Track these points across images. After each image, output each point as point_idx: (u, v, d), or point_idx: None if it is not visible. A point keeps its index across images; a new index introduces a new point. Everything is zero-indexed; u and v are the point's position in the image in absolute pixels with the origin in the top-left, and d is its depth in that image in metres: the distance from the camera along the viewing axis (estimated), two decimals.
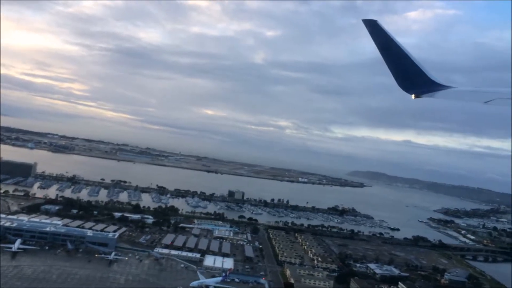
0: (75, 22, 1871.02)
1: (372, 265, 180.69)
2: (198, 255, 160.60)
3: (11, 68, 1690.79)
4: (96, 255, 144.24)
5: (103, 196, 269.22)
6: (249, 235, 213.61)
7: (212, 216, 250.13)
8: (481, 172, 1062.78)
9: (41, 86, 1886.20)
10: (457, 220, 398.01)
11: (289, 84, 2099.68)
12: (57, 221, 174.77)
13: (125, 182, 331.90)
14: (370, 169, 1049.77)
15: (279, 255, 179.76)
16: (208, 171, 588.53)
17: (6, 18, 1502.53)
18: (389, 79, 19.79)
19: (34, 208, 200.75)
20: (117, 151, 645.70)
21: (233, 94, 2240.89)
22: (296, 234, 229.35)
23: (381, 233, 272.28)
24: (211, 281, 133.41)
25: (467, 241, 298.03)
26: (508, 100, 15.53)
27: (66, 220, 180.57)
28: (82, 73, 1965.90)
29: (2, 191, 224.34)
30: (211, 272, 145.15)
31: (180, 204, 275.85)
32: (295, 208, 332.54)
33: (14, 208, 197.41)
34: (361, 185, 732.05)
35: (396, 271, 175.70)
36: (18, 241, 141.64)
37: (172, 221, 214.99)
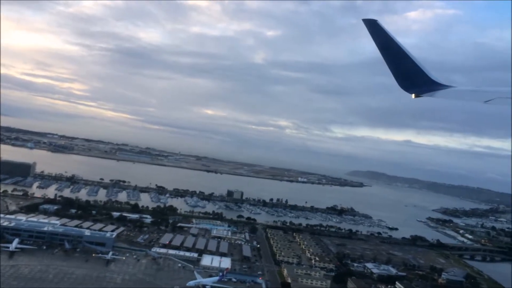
0: (75, 22, 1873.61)
1: (369, 265, 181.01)
2: (195, 255, 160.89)
3: (12, 68, 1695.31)
4: (93, 255, 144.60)
5: (102, 195, 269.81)
6: (247, 234, 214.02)
7: (211, 216, 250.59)
8: (481, 172, 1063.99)
9: (42, 86, 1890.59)
10: (455, 220, 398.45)
11: (289, 84, 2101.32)
12: (55, 220, 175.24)
13: (124, 182, 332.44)
14: (370, 169, 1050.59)
15: (277, 255, 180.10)
16: (208, 171, 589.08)
17: (6, 18, 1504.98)
18: (389, 79, 20.03)
19: (32, 208, 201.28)
20: (116, 151, 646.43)
21: (233, 94, 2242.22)
22: (294, 233, 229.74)
23: (379, 233, 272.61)
24: (208, 280, 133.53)
25: (465, 240, 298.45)
26: (508, 99, 15.72)
27: (64, 220, 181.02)
28: (82, 73, 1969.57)
29: (1, 191, 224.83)
30: (208, 271, 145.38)
31: (179, 204, 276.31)
32: (294, 207, 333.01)
33: (13, 207, 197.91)
34: (361, 185, 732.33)
35: (393, 271, 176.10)
36: (16, 240, 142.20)
37: (171, 221, 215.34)
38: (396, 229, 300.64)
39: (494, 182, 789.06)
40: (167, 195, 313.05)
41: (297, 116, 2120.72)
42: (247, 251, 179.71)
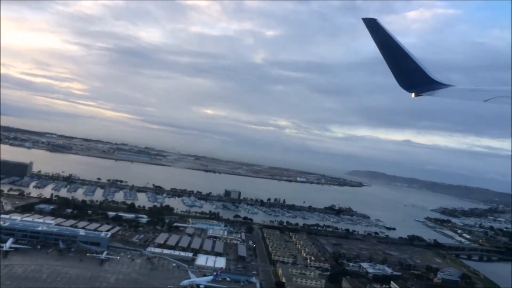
0: (74, 21, 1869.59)
1: (365, 264, 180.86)
2: (190, 254, 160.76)
3: (11, 68, 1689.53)
4: (87, 254, 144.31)
5: (98, 195, 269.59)
6: (243, 234, 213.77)
7: (207, 216, 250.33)
8: (481, 172, 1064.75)
9: (41, 86, 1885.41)
10: (454, 220, 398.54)
11: (289, 84, 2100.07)
12: (50, 220, 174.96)
13: (121, 181, 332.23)
14: (369, 168, 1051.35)
15: (272, 254, 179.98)
16: (206, 171, 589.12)
17: (6, 18, 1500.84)
18: (389, 79, 19.88)
19: (28, 208, 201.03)
20: (115, 151, 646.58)
21: (233, 93, 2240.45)
22: (290, 233, 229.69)
23: (376, 233, 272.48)
24: (202, 280, 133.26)
25: (463, 240, 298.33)
26: (508, 98, 15.59)
27: (60, 220, 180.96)
28: (81, 73, 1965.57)
29: None
30: (202, 271, 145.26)
31: (176, 204, 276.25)
32: (292, 207, 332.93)
33: (8, 207, 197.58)
34: (360, 185, 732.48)
35: (388, 270, 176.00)
36: (10, 240, 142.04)
37: (167, 221, 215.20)
38: (394, 229, 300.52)
39: (493, 182, 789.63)
40: (164, 194, 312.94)
41: (296, 115, 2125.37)
42: (242, 250, 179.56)
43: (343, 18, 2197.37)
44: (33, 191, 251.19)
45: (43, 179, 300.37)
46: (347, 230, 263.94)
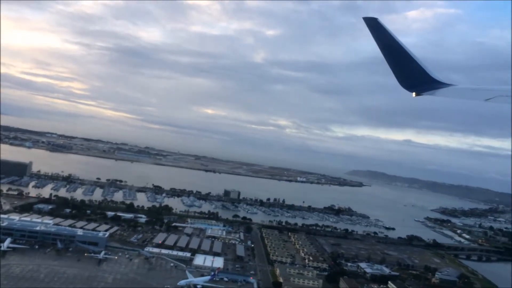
0: (75, 21, 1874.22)
1: (363, 264, 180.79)
2: (188, 254, 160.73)
3: (11, 67, 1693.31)
4: (85, 254, 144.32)
5: (98, 195, 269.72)
6: (242, 234, 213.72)
7: (206, 216, 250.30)
8: (482, 172, 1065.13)
9: (41, 85, 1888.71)
10: (454, 220, 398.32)
11: (289, 84, 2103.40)
12: (48, 220, 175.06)
13: (121, 181, 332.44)
14: (370, 168, 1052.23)
15: (271, 254, 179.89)
16: (206, 171, 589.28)
17: (6, 17, 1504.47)
18: (389, 78, 19.87)
19: (26, 207, 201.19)
20: (115, 150, 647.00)
21: (233, 93, 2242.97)
22: (289, 233, 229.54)
23: (375, 233, 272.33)
24: (199, 280, 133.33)
25: (462, 240, 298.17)
26: (508, 97, 15.58)
27: (58, 219, 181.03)
28: (82, 72, 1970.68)
29: None
30: (200, 271, 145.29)
31: (176, 204, 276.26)
32: (291, 207, 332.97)
33: (7, 207, 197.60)
34: (360, 185, 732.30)
35: (386, 270, 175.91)
36: (8, 240, 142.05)
37: (166, 220, 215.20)
38: (393, 229, 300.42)
39: (494, 181, 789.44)
40: (164, 194, 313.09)
41: (297, 115, 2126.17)
42: (240, 250, 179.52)
43: (343, 17, 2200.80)
44: (32, 191, 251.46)
45: (43, 179, 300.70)
46: (346, 230, 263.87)
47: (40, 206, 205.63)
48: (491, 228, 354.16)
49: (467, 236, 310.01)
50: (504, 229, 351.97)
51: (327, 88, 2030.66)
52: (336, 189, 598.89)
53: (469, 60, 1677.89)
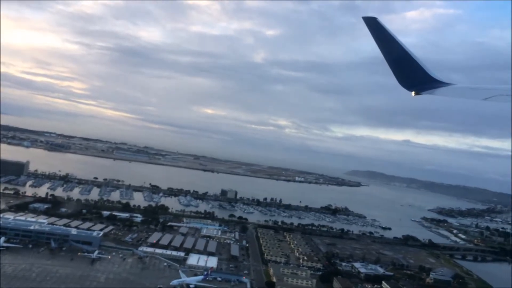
0: (75, 21, 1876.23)
1: (357, 264, 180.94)
2: (182, 254, 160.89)
3: (11, 67, 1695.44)
4: (79, 254, 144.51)
5: (94, 195, 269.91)
6: (237, 234, 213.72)
7: (202, 215, 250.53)
8: (480, 172, 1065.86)
9: (41, 85, 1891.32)
10: (450, 220, 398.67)
11: (289, 83, 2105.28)
12: (43, 219, 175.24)
13: (118, 180, 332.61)
14: (369, 168, 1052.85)
15: (265, 254, 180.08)
16: (205, 170, 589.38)
17: (7, 17, 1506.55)
18: (389, 78, 19.94)
19: (22, 207, 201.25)
20: (114, 150, 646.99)
21: (233, 93, 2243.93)
22: (285, 233, 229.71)
23: (371, 232, 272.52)
24: (192, 279, 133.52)
25: (458, 240, 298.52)
26: (508, 97, 15.66)
27: (53, 219, 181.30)
28: (82, 72, 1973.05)
29: None
30: (194, 270, 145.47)
31: (172, 203, 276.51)
32: (288, 207, 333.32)
33: (2, 206, 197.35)
34: (358, 185, 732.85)
35: (381, 270, 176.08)
36: (2, 239, 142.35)
37: (161, 220, 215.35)
38: (389, 228, 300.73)
39: (492, 182, 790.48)
40: (161, 194, 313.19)
41: (296, 115, 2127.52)
42: (235, 250, 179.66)
43: (343, 17, 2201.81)
44: (29, 190, 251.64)
45: (40, 178, 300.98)
46: (342, 230, 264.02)
47: (36, 205, 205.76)
48: (487, 228, 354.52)
49: (463, 236, 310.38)
50: (501, 229, 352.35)
51: (327, 88, 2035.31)
52: (334, 189, 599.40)
53: (469, 60, 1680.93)
